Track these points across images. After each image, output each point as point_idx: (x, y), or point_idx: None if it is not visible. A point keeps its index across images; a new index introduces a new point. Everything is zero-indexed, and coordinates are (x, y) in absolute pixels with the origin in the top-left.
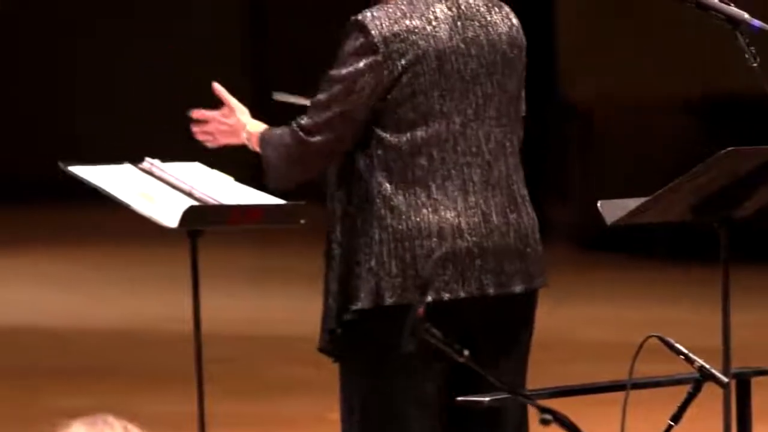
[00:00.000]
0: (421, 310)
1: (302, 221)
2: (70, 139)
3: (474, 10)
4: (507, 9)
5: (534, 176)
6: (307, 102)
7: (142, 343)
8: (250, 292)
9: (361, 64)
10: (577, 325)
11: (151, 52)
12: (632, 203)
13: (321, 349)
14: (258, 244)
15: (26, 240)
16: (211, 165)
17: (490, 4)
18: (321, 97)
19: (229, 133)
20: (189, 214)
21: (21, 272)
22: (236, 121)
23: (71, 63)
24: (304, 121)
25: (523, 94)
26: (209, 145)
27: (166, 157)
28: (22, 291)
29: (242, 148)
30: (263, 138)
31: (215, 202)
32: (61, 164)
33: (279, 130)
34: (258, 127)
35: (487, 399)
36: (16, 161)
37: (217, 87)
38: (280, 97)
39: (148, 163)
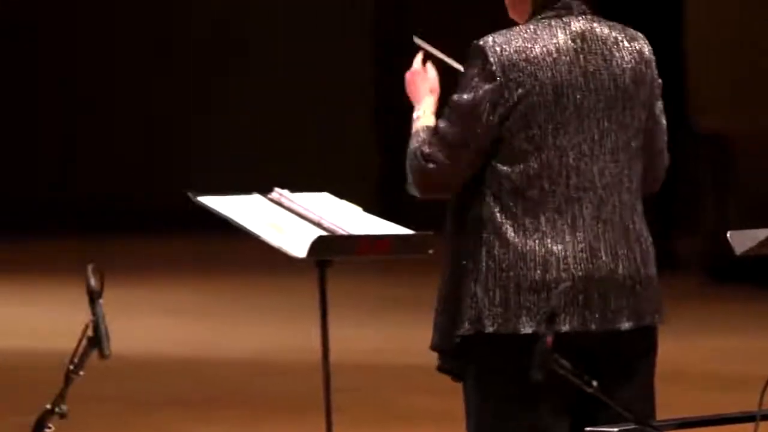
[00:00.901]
0: (549, 340)
1: (430, 251)
2: (200, 168)
3: (600, 42)
4: (640, 41)
5: (664, 207)
6: (444, 57)
7: (270, 373)
8: (377, 322)
9: (480, 92)
10: (706, 355)
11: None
12: (762, 234)
13: (439, 368)
14: (386, 273)
15: (157, 270)
16: (339, 195)
17: (620, 36)
18: (441, 124)
19: (415, 93)
20: (317, 245)
21: (151, 302)
22: (419, 92)
23: (205, 98)
24: (426, 148)
25: (659, 125)
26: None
27: (294, 187)
28: (153, 321)
29: (368, 179)
30: (413, 136)
31: (344, 233)
32: (190, 194)
33: (416, 147)
34: (426, 119)
35: (615, 429)
36: (152, 192)
37: (419, 41)
38: (420, 42)
39: (277, 193)
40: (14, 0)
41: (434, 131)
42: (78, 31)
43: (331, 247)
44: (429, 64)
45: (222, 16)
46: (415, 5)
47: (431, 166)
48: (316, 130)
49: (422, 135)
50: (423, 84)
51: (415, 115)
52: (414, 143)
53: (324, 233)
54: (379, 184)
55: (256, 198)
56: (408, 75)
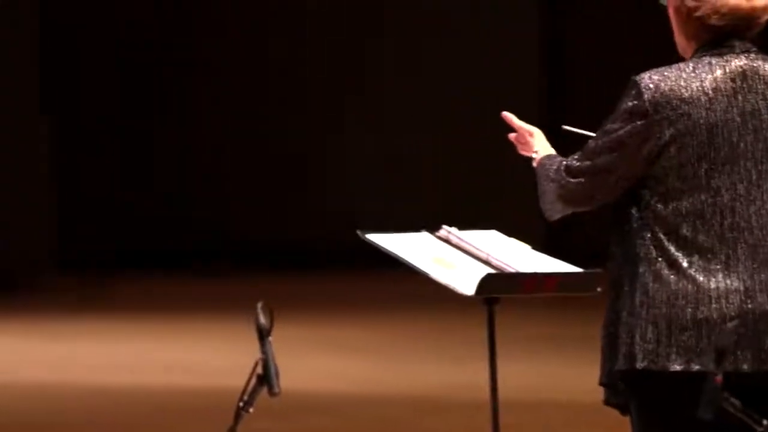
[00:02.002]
0: (718, 378)
1: (598, 290)
2: (370, 206)
3: (761, 81)
4: None
5: None
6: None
7: (438, 410)
8: (544, 358)
9: (629, 126)
10: None
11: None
12: None
13: (605, 402)
14: (552, 308)
15: (325, 308)
16: (508, 233)
17: None
18: (591, 144)
19: (526, 148)
20: (486, 282)
21: (320, 340)
22: (529, 141)
23: (359, 135)
24: (572, 162)
25: None
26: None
27: (462, 225)
28: (321, 358)
29: (537, 218)
30: (540, 166)
31: (512, 270)
32: (359, 232)
33: (555, 163)
34: (545, 151)
35: None
36: (321, 229)
37: (506, 115)
38: (569, 129)
39: (445, 230)
40: (149, 45)
41: (583, 150)
42: (232, 69)
43: (499, 285)
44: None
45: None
46: (581, 43)
47: (574, 180)
48: (485, 168)
49: (555, 159)
50: (526, 136)
51: (533, 155)
52: (549, 166)
53: (492, 271)
54: (547, 222)
55: (424, 236)
56: (513, 138)
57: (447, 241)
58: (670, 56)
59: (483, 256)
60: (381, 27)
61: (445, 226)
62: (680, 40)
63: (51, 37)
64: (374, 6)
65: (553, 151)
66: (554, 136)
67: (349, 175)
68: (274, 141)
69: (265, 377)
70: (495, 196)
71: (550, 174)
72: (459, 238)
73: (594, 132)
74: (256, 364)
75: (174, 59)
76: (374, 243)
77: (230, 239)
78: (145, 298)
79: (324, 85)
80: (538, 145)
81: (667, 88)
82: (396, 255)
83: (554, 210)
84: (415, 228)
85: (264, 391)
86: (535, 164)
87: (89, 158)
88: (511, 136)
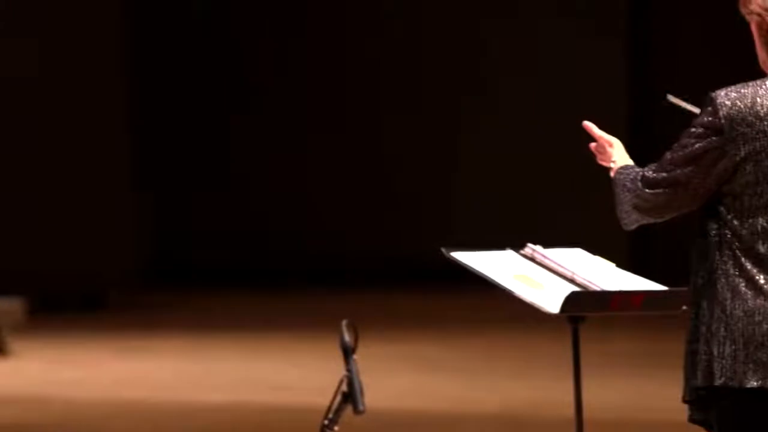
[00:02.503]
0: None
1: (683, 308)
2: (459, 223)
3: None
4: None
5: None
6: (696, 110)
7: (523, 428)
8: (627, 376)
9: (705, 141)
10: None
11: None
12: None
13: (689, 419)
14: (636, 326)
15: (410, 325)
16: (592, 251)
17: None
18: (667, 155)
19: (605, 158)
20: (571, 300)
21: (404, 358)
22: (608, 152)
23: (453, 152)
24: (648, 172)
25: None
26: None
27: (547, 243)
28: (405, 376)
29: (621, 234)
30: (616, 175)
31: (597, 289)
32: (443, 250)
33: (632, 173)
34: (623, 161)
35: None
36: (407, 246)
37: (587, 124)
38: (673, 99)
39: (530, 248)
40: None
41: (659, 162)
42: (309, 94)
43: (584, 303)
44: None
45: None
46: (669, 61)
47: (650, 191)
48: (569, 186)
49: (632, 169)
50: (606, 146)
51: (611, 165)
52: (626, 176)
53: (577, 289)
54: (632, 240)
55: (508, 254)
56: (593, 148)
57: (532, 259)
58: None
59: (568, 274)
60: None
61: (530, 244)
62: (761, 54)
63: (139, 49)
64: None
65: (631, 162)
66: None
67: (435, 192)
68: (364, 155)
69: (350, 395)
70: (582, 213)
71: (627, 183)
72: (544, 256)
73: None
74: (340, 382)
75: (257, 68)
76: (459, 261)
77: (316, 256)
78: (232, 315)
79: (402, 100)
80: (617, 156)
81: (743, 105)
82: (480, 273)
83: (630, 219)
84: (500, 246)
85: (349, 408)
86: (612, 174)
87: (175, 172)
88: (592, 145)
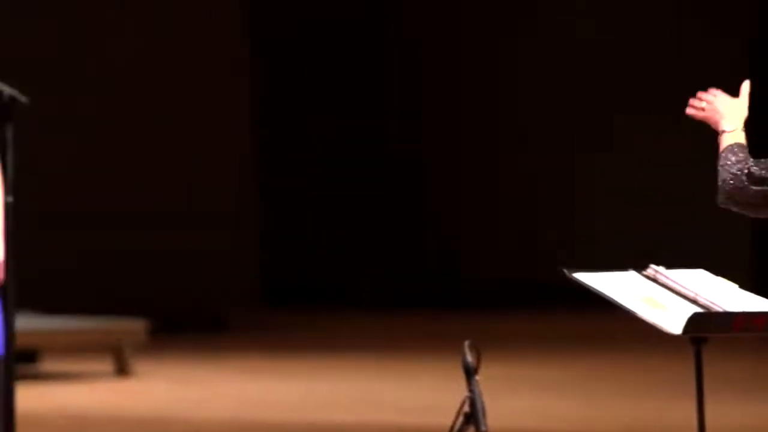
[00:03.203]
0: None
1: None
2: (580, 243)
3: None
4: None
5: None
6: None
7: None
8: (751, 398)
9: None
10: None
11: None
12: None
13: None
14: (760, 347)
15: (531, 345)
16: (715, 272)
17: None
18: None
19: (712, 116)
20: (694, 321)
21: (526, 378)
22: (719, 112)
23: (590, 172)
24: (754, 167)
25: None
26: (690, 112)
27: (669, 264)
28: (525, 397)
29: (743, 255)
30: (723, 152)
31: (719, 309)
32: (566, 271)
33: (741, 160)
34: (732, 137)
35: None
36: (530, 267)
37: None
38: None
39: (653, 269)
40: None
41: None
42: (462, 114)
43: (707, 324)
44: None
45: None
46: None
47: (754, 187)
48: (691, 207)
49: (741, 155)
50: (717, 107)
51: (724, 128)
52: (735, 161)
53: (700, 310)
54: (754, 261)
55: (631, 275)
56: (702, 105)
57: (654, 280)
58: None
59: (691, 295)
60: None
61: (652, 265)
62: None
63: (263, 57)
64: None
65: (742, 138)
66: None
67: (555, 213)
68: (482, 177)
69: (472, 416)
70: (703, 234)
71: (733, 170)
72: (666, 277)
73: None
74: (463, 403)
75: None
76: (581, 282)
77: (437, 276)
78: (355, 335)
79: (553, 121)
80: (728, 120)
81: None
82: (603, 294)
83: (725, 203)
84: (623, 267)
85: (471, 429)
86: (720, 139)
87: (297, 190)
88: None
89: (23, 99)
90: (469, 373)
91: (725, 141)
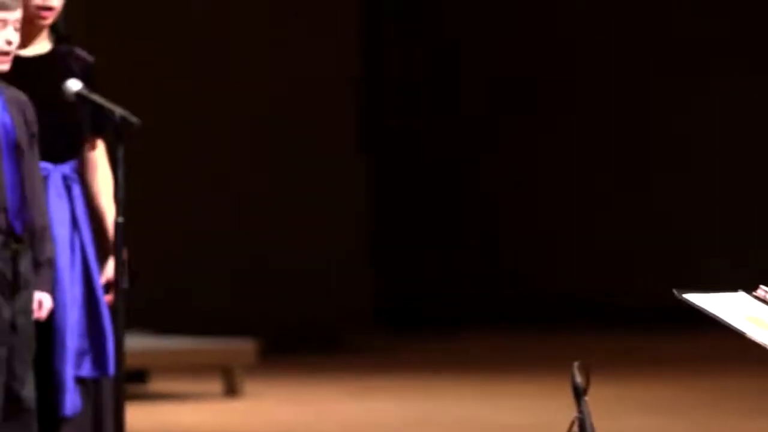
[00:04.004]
0: None
1: None
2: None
3: None
4: None
5: None
6: None
7: None
8: None
9: None
10: None
11: None
12: None
13: None
14: None
15: (640, 366)
16: None
17: None
18: None
19: None
20: None
21: (634, 399)
22: None
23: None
24: None
25: None
26: None
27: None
28: (635, 418)
29: None
30: None
31: None
32: (675, 292)
33: None
34: None
35: None
36: (637, 286)
37: None
38: None
39: (763, 290)
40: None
41: None
42: (539, 133)
43: None
44: None
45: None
46: None
47: None
48: None
49: None
50: None
51: None
52: None
53: None
54: None
55: (741, 296)
56: None
57: (765, 301)
58: None
59: None
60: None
61: (762, 287)
62: None
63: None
64: None
65: None
66: None
67: (674, 235)
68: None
69: None
70: None
71: None
72: None
73: None
74: (572, 424)
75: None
76: (690, 303)
77: (547, 296)
78: (466, 355)
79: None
80: None
81: None
82: (713, 315)
83: None
84: (733, 288)
85: None
86: None
87: (407, 206)
88: None
89: (134, 120)
90: (578, 393)
91: None
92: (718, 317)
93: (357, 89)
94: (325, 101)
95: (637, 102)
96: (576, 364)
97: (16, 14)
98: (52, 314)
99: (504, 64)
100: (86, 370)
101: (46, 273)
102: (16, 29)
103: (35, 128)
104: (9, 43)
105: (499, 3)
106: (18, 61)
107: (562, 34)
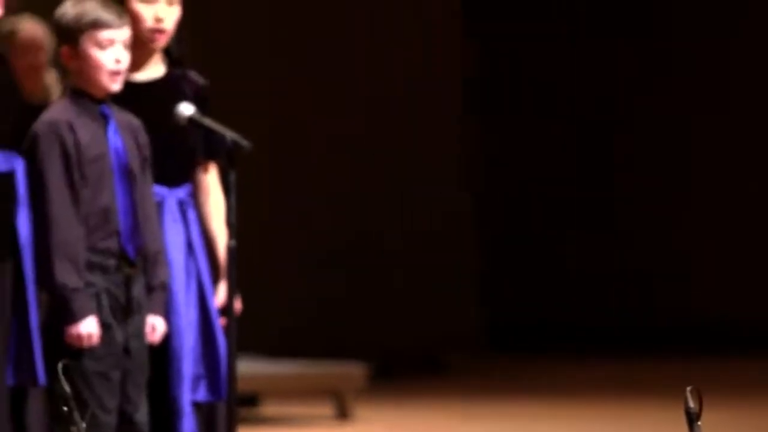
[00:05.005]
0: None
1: None
2: None
3: None
4: None
5: None
6: None
7: None
8: None
9: None
10: None
11: None
12: None
13: None
14: None
15: (754, 391)
16: None
17: None
18: None
19: None
20: None
21: (748, 425)
22: None
23: None
24: None
25: None
26: None
27: None
28: None
29: None
30: None
31: None
32: None
33: None
34: None
35: None
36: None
37: None
38: None
39: None
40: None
41: None
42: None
43: None
44: None
45: None
46: None
47: None
48: None
49: None
50: None
51: None
52: None
53: None
54: None
55: None
56: None
57: None
58: None
59: None
60: None
61: None
62: None
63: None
64: None
65: None
66: None
67: None
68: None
69: None
70: None
71: None
72: None
73: None
74: None
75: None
76: None
77: (660, 318)
78: (576, 378)
79: None
80: None
81: None
82: None
83: None
84: None
85: None
86: None
87: (519, 225)
88: None
89: (246, 144)
90: (691, 419)
91: None
92: None
93: (465, 100)
94: (433, 108)
95: None
96: (689, 389)
97: (124, 33)
98: (169, 339)
99: None
100: (202, 394)
101: (159, 297)
102: (125, 48)
103: (147, 152)
104: (118, 61)
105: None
106: (131, 85)
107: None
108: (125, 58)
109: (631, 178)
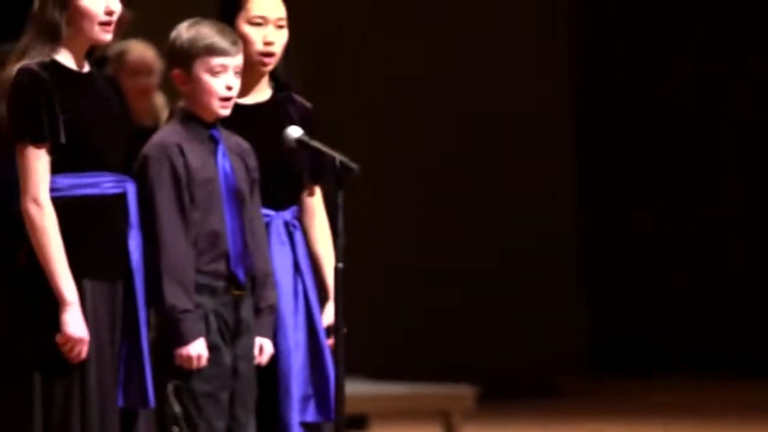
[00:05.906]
0: None
1: None
2: None
3: None
4: None
5: None
6: None
7: None
8: None
9: None
10: None
11: None
12: None
13: None
14: None
15: None
16: None
17: None
18: None
19: None
20: None
21: None
22: None
23: None
24: None
25: None
26: None
27: None
28: None
29: None
30: None
31: None
32: None
33: None
34: None
35: None
36: None
37: None
38: None
39: None
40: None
41: None
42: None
43: None
44: None
45: None
46: None
47: None
48: None
49: None
50: None
51: None
52: None
53: None
54: None
55: None
56: None
57: None
58: None
59: None
60: None
61: None
62: None
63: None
64: None
65: None
66: None
67: None
68: None
69: None
70: None
71: None
72: None
73: None
74: None
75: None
76: None
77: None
78: (684, 402)
79: None
80: None
81: None
82: None
83: None
84: None
85: None
86: None
87: (619, 248)
88: None
89: (354, 167)
90: None
91: None
92: None
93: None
94: (542, 146)
95: None
96: None
97: (237, 60)
98: (277, 360)
99: None
100: (310, 415)
101: (266, 319)
102: (236, 75)
103: (256, 175)
104: (229, 88)
105: None
106: (239, 108)
107: None
108: (236, 84)
109: (741, 197)
